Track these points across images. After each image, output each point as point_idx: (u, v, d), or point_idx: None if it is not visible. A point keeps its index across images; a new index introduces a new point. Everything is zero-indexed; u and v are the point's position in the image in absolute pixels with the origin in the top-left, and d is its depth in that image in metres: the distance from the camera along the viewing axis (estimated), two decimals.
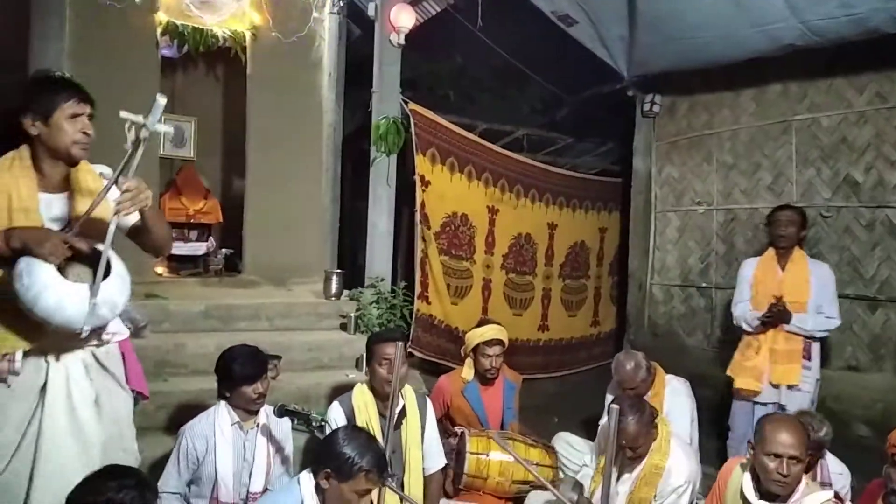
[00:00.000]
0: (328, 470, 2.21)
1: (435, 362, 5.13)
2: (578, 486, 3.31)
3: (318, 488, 2.24)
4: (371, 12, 4.95)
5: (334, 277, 4.83)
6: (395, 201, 5.05)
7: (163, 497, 2.88)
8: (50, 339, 2.12)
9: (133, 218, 2.22)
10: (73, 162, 2.18)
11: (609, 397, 3.90)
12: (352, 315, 4.52)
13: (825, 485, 3.08)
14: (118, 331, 2.37)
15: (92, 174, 2.25)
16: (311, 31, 5.58)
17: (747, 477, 2.54)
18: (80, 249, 2.09)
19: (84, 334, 2.09)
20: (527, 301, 6.16)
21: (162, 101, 2.13)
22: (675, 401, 3.74)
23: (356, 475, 2.19)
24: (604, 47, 5.39)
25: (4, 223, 2.04)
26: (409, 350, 5.04)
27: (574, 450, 3.86)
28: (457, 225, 5.40)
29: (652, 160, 5.70)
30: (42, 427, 2.13)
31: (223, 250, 6.17)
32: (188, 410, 3.36)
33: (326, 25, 5.70)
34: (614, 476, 3.19)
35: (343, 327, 4.62)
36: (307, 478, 2.28)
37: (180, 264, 6.33)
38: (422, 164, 5.05)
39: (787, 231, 3.79)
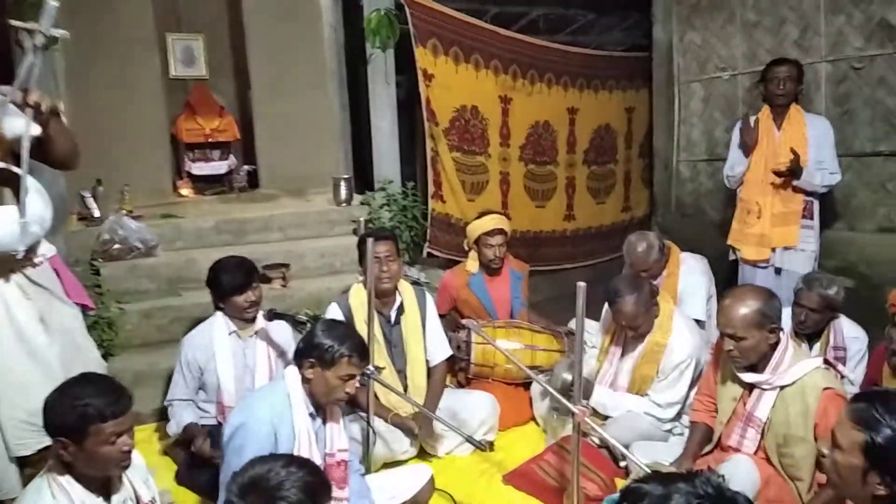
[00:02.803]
0: (311, 360, 2.24)
1: (456, 260, 5.11)
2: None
3: (303, 380, 2.29)
4: None
5: (342, 183, 4.79)
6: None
7: (174, 405, 3.04)
8: None
9: (35, 131, 2.10)
10: None
11: None
12: (361, 219, 4.50)
13: (838, 349, 2.97)
14: (48, 251, 2.36)
15: None
16: None
17: None
18: None
19: (19, 255, 2.12)
20: (549, 192, 5.99)
21: (53, 2, 2.04)
22: (690, 279, 3.61)
23: (338, 361, 2.22)
24: None
25: None
26: (428, 250, 5.03)
27: (589, 334, 3.82)
28: (467, 119, 5.20)
29: (672, 27, 5.28)
30: None
31: (245, 167, 6.20)
32: (200, 322, 3.46)
33: None
34: (617, 355, 3.16)
35: (355, 232, 4.61)
36: (292, 371, 2.32)
37: (205, 184, 6.39)
38: (423, 56, 4.82)
39: (785, 88, 3.62)
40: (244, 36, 5.80)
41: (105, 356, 3.47)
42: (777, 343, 2.34)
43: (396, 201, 4.70)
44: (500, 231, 3.69)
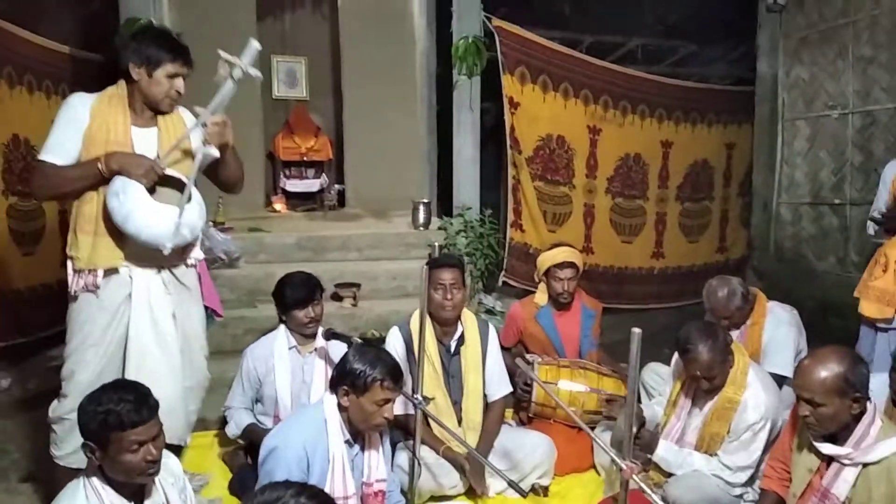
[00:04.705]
0: (345, 387, 2.22)
1: (532, 291, 4.99)
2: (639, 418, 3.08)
3: (340, 407, 2.27)
4: None
5: (421, 207, 4.81)
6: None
7: (233, 409, 3.10)
8: (134, 257, 2.36)
9: (214, 153, 2.42)
10: (160, 112, 2.42)
11: None
12: (436, 244, 4.49)
13: None
14: (199, 255, 2.61)
15: (176, 114, 2.47)
16: None
17: None
18: (168, 176, 2.32)
19: (166, 252, 2.29)
20: (637, 227, 5.76)
21: (255, 44, 2.33)
22: (778, 331, 3.33)
23: (371, 386, 2.20)
24: None
25: (101, 151, 2.28)
26: (504, 279, 4.96)
27: (663, 380, 3.61)
28: (552, 148, 5.12)
29: (778, 61, 4.99)
30: (129, 336, 2.37)
31: (336, 186, 6.38)
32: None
33: None
34: (686, 409, 2.95)
35: (430, 256, 4.60)
36: (330, 398, 2.31)
37: (298, 201, 6.62)
38: (509, 84, 4.81)
39: None
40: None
41: None
42: (862, 414, 2.10)
43: (473, 228, 4.66)
44: (571, 265, 3.56)
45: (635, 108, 5.55)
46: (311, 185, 6.75)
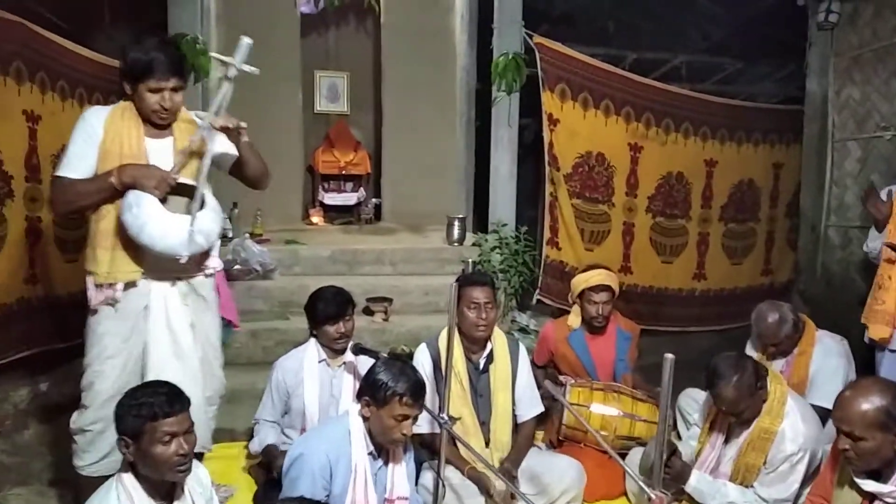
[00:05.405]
0: (367, 398, 2.22)
1: (567, 310, 4.92)
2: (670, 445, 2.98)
3: (364, 418, 2.26)
4: None
5: (456, 222, 4.80)
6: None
7: (260, 424, 3.11)
8: (152, 268, 2.38)
9: (233, 152, 2.45)
10: (152, 126, 2.41)
11: (750, 351, 3.44)
12: (470, 260, 4.47)
13: None
14: (217, 265, 2.60)
15: (190, 121, 2.48)
16: None
17: None
18: (180, 185, 2.33)
19: (183, 261, 2.31)
20: (678, 247, 5.62)
21: (247, 40, 2.33)
22: (827, 362, 3.21)
23: (391, 400, 2.19)
24: None
25: (116, 164, 2.30)
26: (538, 297, 4.88)
27: (699, 406, 3.49)
28: (591, 165, 5.04)
29: (829, 80, 4.83)
30: (148, 347, 2.39)
31: (373, 200, 6.44)
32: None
33: None
34: (721, 438, 2.84)
35: (463, 273, 4.58)
36: (355, 409, 2.30)
37: (336, 214, 6.70)
38: (549, 101, 4.76)
39: None
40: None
41: None
42: None
43: (508, 245, 4.61)
44: (606, 288, 3.48)
45: (678, 126, 5.43)
46: (348, 198, 6.83)
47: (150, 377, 2.34)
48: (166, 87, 2.33)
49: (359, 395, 2.27)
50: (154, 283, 2.41)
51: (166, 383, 2.00)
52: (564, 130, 4.85)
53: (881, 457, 1.98)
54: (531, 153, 5.71)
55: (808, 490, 2.51)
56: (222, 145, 2.43)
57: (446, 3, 5.66)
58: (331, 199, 6.67)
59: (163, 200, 2.28)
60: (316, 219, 6.32)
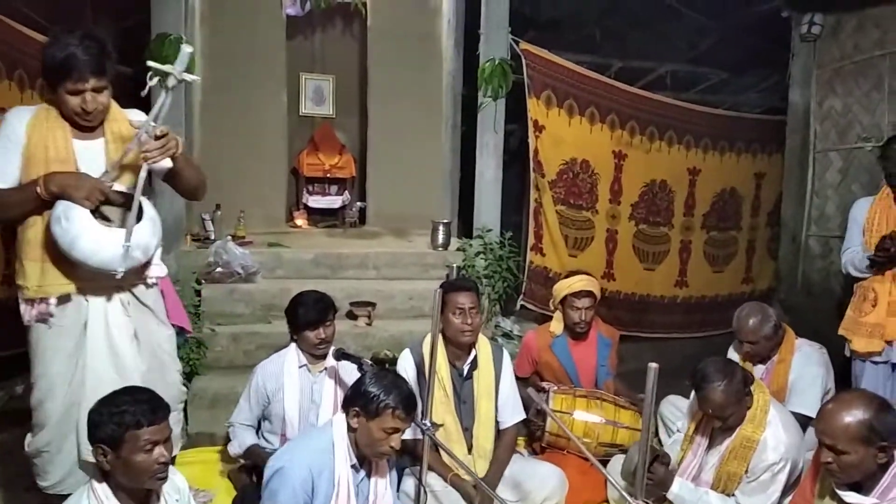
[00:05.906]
0: (356, 408, 2.19)
1: (550, 316, 4.92)
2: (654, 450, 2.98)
3: (349, 429, 2.23)
4: None
5: (441, 227, 4.77)
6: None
7: (236, 427, 3.07)
8: (88, 281, 2.22)
9: (167, 163, 2.28)
10: (80, 128, 2.23)
11: (733, 355, 3.46)
12: (454, 265, 4.45)
13: None
14: (160, 272, 2.45)
15: (124, 122, 2.30)
16: None
17: None
18: (113, 195, 2.19)
19: (119, 276, 2.17)
20: (661, 255, 5.65)
21: (187, 49, 2.20)
22: (806, 370, 3.23)
23: (382, 412, 2.16)
24: None
25: (42, 171, 2.13)
26: (522, 303, 4.88)
27: (681, 413, 3.50)
28: (576, 172, 5.05)
29: (811, 91, 4.90)
30: (86, 361, 2.26)
31: (358, 203, 6.40)
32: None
33: None
34: (703, 445, 2.85)
35: (447, 278, 4.56)
36: (340, 418, 2.27)
37: (320, 217, 6.65)
38: (535, 107, 4.77)
39: None
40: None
41: (190, 375, 3.61)
42: (889, 463, 1.99)
43: (493, 250, 4.60)
44: (589, 293, 3.49)
45: (662, 135, 5.47)
46: (333, 201, 6.78)
47: (87, 393, 2.20)
48: (85, 88, 2.12)
49: (346, 405, 2.23)
50: (91, 297, 2.25)
51: (146, 390, 1.95)
52: (549, 137, 4.86)
53: (863, 470, 1.99)
54: (516, 159, 5.71)
55: (788, 500, 2.51)
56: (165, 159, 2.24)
57: (433, 7, 5.66)
58: (315, 202, 6.62)
59: (95, 210, 2.12)
60: (300, 221, 6.27)
